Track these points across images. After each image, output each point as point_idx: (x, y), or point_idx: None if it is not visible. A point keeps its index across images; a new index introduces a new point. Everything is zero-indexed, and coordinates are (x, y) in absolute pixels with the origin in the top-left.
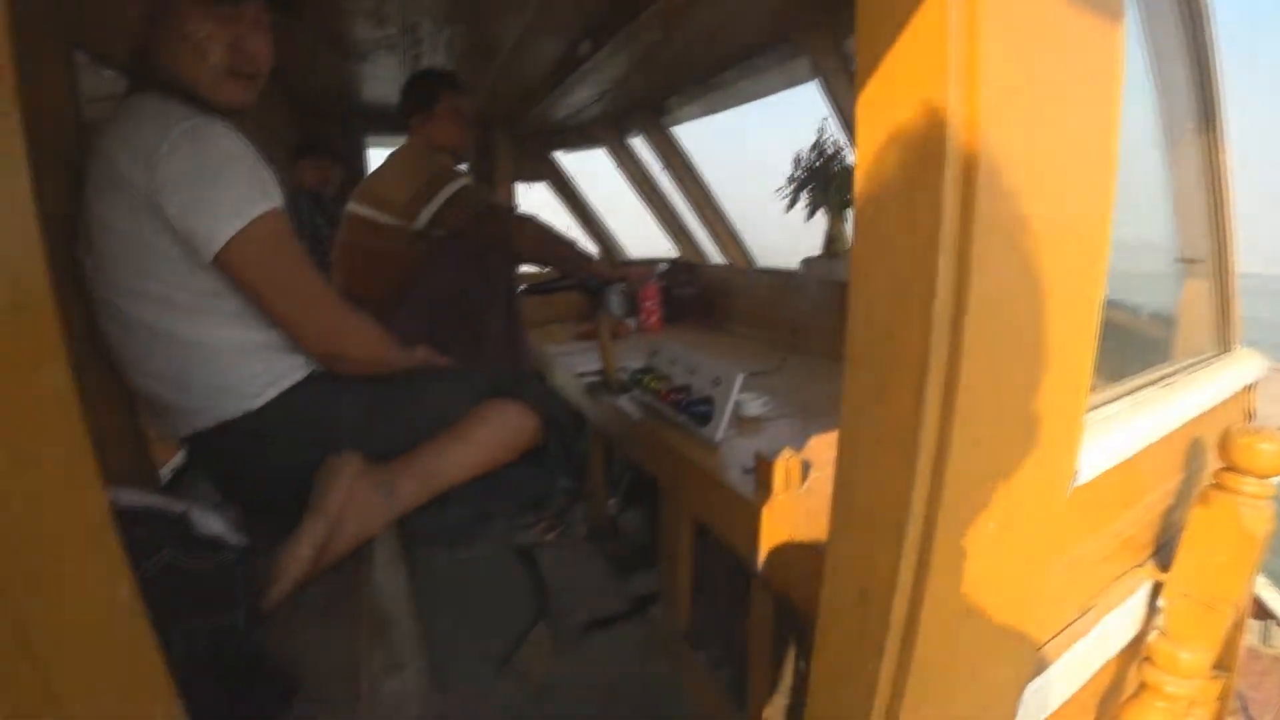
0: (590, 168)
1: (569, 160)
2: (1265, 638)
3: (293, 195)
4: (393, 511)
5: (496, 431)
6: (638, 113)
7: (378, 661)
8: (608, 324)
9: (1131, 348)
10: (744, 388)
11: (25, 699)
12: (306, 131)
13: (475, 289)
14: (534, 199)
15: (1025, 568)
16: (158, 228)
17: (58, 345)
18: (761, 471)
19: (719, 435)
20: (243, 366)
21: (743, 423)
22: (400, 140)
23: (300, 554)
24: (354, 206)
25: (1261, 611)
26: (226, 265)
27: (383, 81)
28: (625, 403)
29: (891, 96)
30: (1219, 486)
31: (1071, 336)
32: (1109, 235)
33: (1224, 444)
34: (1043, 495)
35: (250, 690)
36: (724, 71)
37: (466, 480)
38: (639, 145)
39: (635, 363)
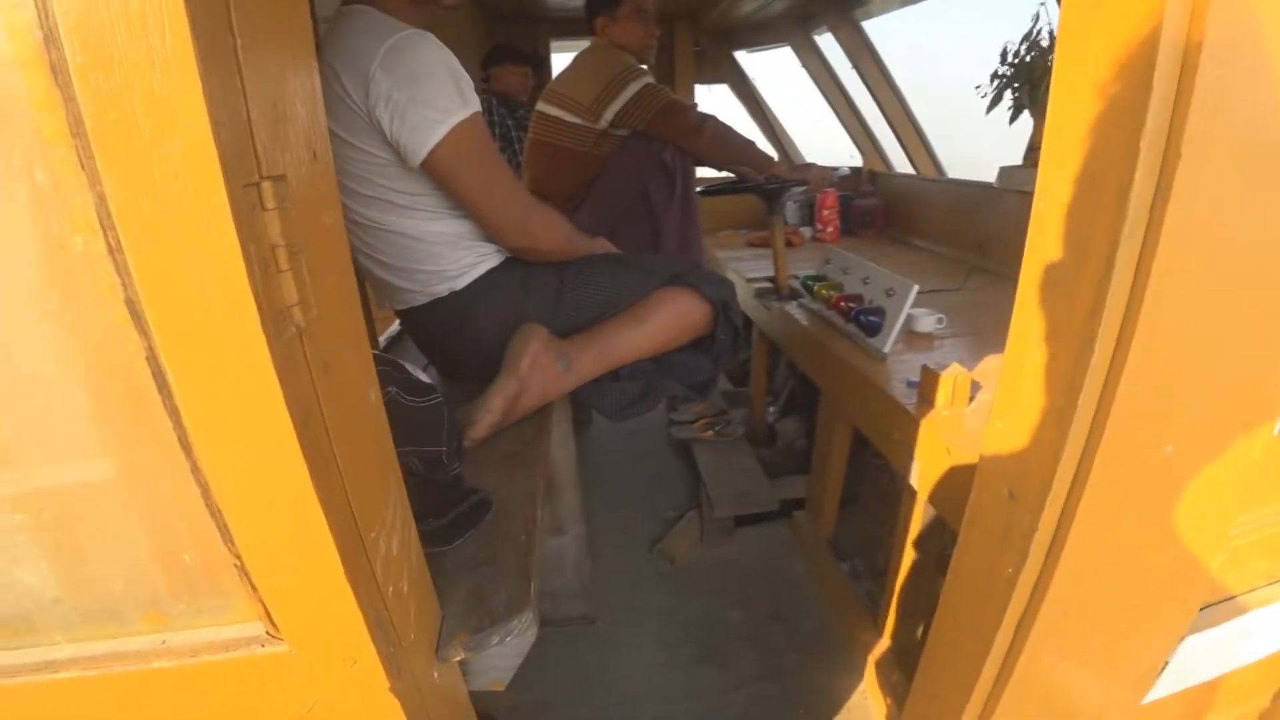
0: (772, 71)
1: (751, 61)
2: None
3: (485, 101)
4: (571, 381)
5: (669, 317)
6: (827, 5)
7: (545, 517)
8: (781, 230)
9: None
10: (919, 303)
11: (312, 445)
12: (494, 39)
13: (654, 187)
14: (713, 102)
15: (1208, 504)
16: (376, 140)
17: (335, 194)
18: (926, 385)
19: (887, 346)
20: (449, 254)
21: (913, 337)
22: (585, 43)
23: (493, 405)
24: (542, 106)
25: None
26: (432, 169)
27: None
28: (794, 309)
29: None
30: None
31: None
32: None
33: None
34: (1238, 427)
35: (454, 502)
36: None
37: (638, 360)
38: (827, 44)
39: (807, 270)
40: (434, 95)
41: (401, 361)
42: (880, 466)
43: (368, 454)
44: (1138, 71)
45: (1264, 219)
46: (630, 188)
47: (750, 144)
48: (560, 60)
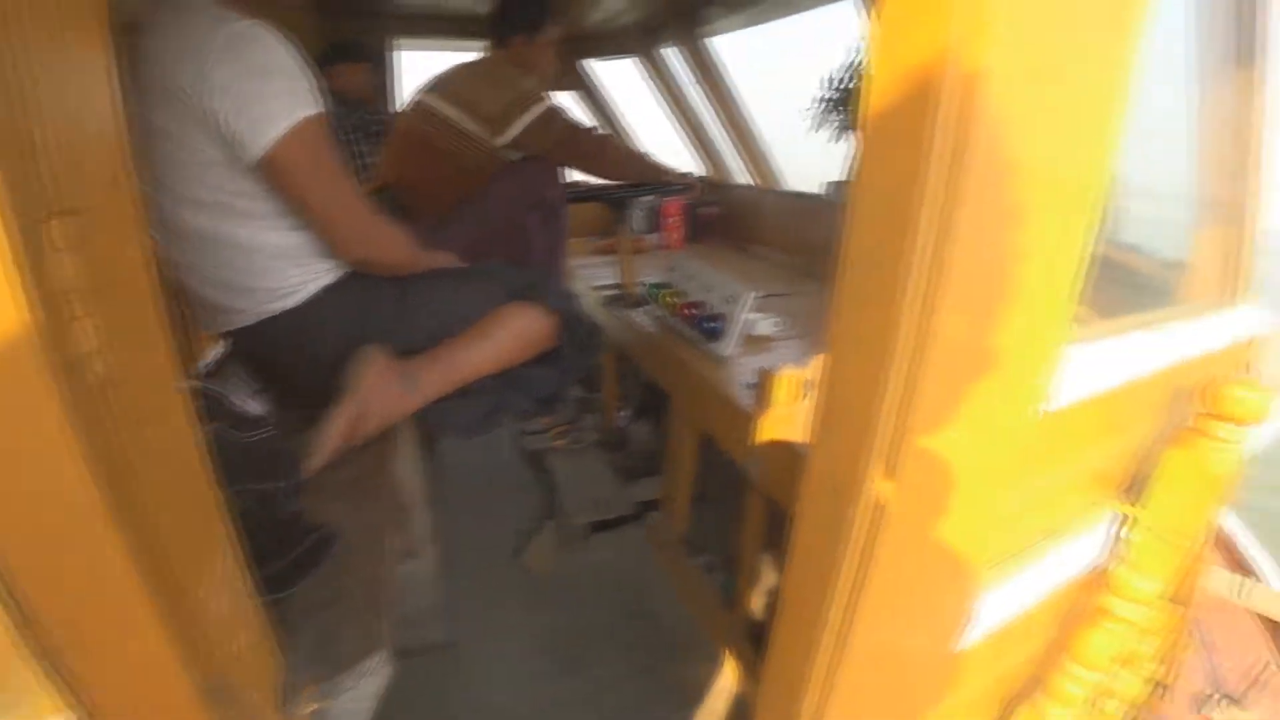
0: (618, 78)
1: (602, 69)
2: (1240, 593)
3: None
4: (416, 401)
5: (514, 332)
6: (673, 22)
7: (396, 544)
8: (629, 238)
9: (1141, 289)
10: (758, 308)
11: (122, 506)
12: (330, 36)
13: (532, 220)
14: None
15: (990, 481)
16: (206, 134)
17: (140, 222)
18: (763, 385)
19: (728, 350)
20: (282, 268)
21: (753, 341)
22: (438, 44)
23: (332, 433)
24: (435, 103)
25: (1240, 568)
26: (269, 167)
27: None
28: (640, 316)
29: (901, 23)
30: (1196, 430)
31: (1056, 271)
32: (1106, 181)
33: (1206, 390)
34: (1011, 415)
35: (294, 541)
36: None
37: (485, 376)
38: (673, 56)
39: (653, 278)
40: (278, 90)
41: (227, 392)
42: (728, 464)
43: (190, 504)
44: (926, 99)
45: (1023, 230)
46: (507, 217)
47: (644, 156)
48: (410, 60)
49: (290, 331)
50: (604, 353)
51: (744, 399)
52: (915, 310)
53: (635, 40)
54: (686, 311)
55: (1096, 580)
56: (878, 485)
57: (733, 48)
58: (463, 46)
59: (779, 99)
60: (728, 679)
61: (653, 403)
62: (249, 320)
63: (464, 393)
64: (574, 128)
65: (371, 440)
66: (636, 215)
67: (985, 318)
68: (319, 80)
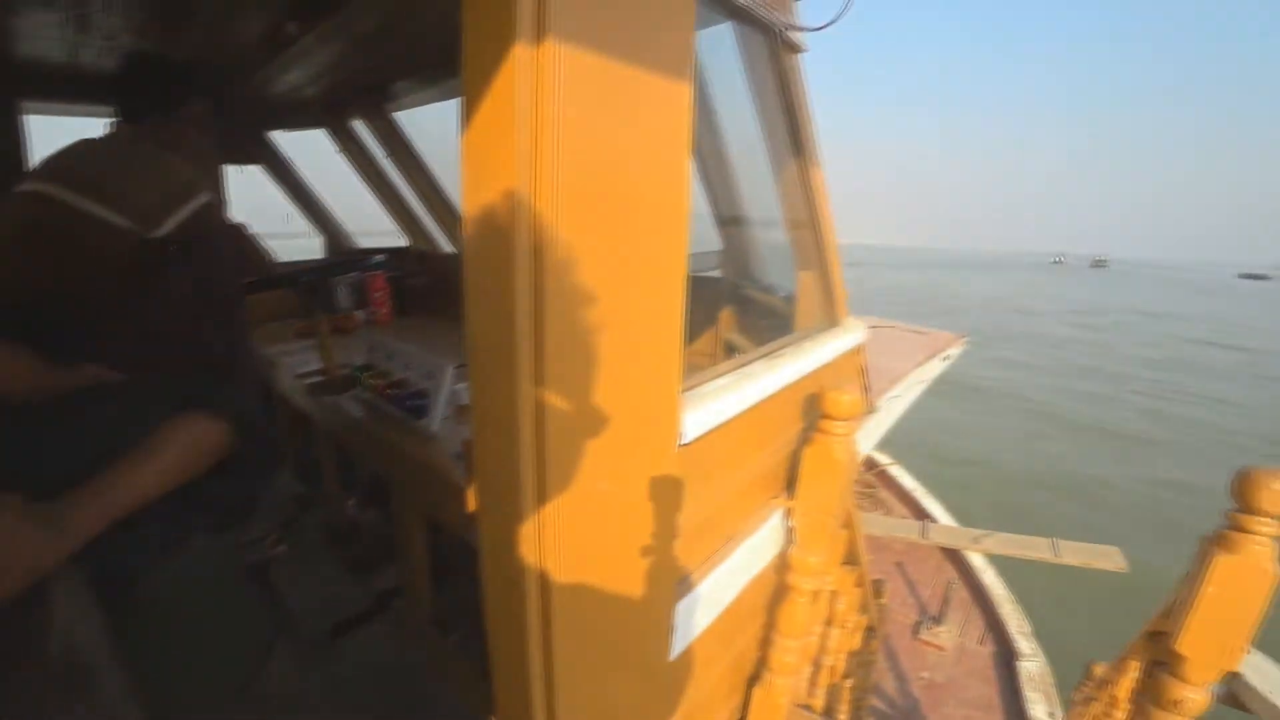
0: (318, 147)
1: (289, 140)
2: (923, 533)
3: None
4: (66, 544)
5: (183, 446)
6: (361, 96)
7: (76, 714)
8: (326, 320)
9: (778, 323)
10: (464, 377)
11: None
12: None
13: (208, 328)
14: (245, 184)
15: (651, 510)
16: None
17: None
18: (468, 454)
19: (435, 426)
20: None
21: (463, 410)
22: (82, 109)
23: None
24: (59, 192)
25: (921, 515)
26: None
27: (41, 40)
28: (347, 401)
29: (485, 166)
30: (819, 430)
31: (655, 338)
32: (684, 273)
33: (819, 399)
34: (651, 454)
35: None
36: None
37: (155, 499)
38: (365, 128)
39: (359, 359)
40: None
41: None
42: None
43: None
44: (510, 225)
45: (604, 313)
46: (172, 317)
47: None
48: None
49: None
50: (318, 447)
51: (454, 471)
52: (529, 393)
53: (324, 112)
54: (389, 392)
55: (782, 564)
56: (537, 538)
57: (428, 117)
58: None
59: None
60: None
61: (380, 486)
62: None
63: (130, 524)
64: (237, 227)
65: (19, 600)
66: (341, 291)
67: (593, 389)
68: None
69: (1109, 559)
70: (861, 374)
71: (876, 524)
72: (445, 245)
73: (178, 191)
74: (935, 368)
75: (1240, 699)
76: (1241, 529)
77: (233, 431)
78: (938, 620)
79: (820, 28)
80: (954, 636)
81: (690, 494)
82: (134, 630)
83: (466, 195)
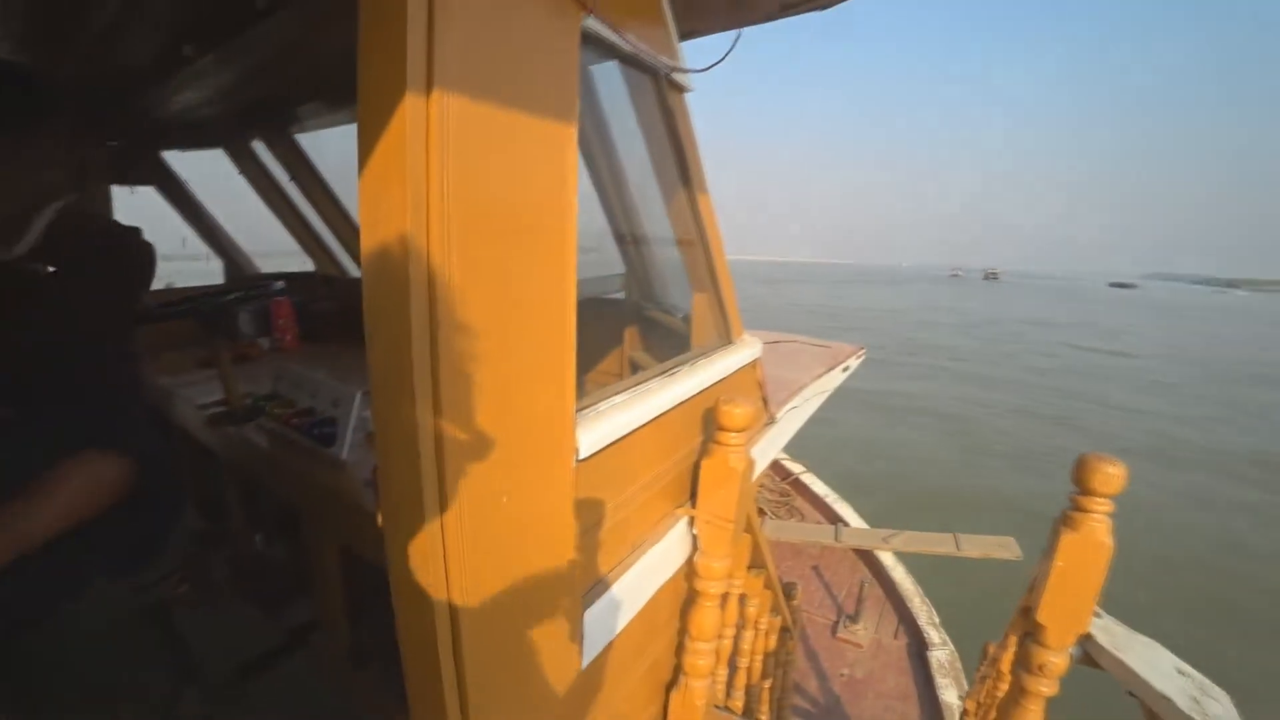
0: (217, 169)
1: (186, 161)
2: (837, 536)
3: None
4: None
5: (79, 484)
6: (262, 118)
7: None
8: (227, 348)
9: (678, 342)
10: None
11: None
12: None
13: (88, 338)
14: (135, 205)
15: (552, 525)
16: None
17: None
18: (378, 480)
19: (344, 453)
20: None
21: (372, 437)
22: None
23: None
24: None
25: (833, 519)
26: None
27: None
28: (252, 431)
29: (379, 208)
30: (715, 441)
31: (551, 365)
32: (573, 300)
33: (713, 412)
34: (548, 471)
35: None
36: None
37: (50, 541)
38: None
39: (263, 388)
40: None
41: None
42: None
43: None
44: (403, 259)
45: (490, 345)
46: (54, 346)
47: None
48: None
49: None
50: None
51: (366, 497)
52: (427, 410)
53: (223, 132)
54: (296, 420)
55: (690, 571)
56: (442, 556)
57: (344, 136)
58: None
59: None
60: None
61: (289, 518)
62: None
63: (20, 568)
64: (118, 232)
65: None
66: (244, 318)
67: (486, 407)
68: None
69: (1006, 549)
70: (760, 387)
71: (792, 531)
72: (352, 269)
73: (33, 202)
74: (835, 379)
75: (1093, 657)
76: (1081, 509)
77: (133, 468)
78: (854, 618)
79: (704, 69)
80: (870, 633)
81: (590, 507)
82: (25, 690)
83: (364, 234)
